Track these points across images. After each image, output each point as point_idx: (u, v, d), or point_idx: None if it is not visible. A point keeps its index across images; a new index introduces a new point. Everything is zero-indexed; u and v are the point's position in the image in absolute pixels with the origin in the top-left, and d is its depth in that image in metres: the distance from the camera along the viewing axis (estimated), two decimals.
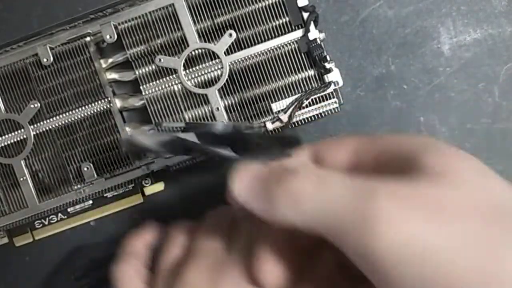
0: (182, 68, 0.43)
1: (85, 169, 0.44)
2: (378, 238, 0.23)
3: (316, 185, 0.26)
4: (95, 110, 0.44)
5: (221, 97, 0.43)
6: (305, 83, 0.44)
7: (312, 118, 0.44)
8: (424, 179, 0.25)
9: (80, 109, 0.44)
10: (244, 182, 0.29)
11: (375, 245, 0.23)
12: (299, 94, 0.43)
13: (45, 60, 0.43)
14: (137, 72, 0.44)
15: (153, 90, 0.44)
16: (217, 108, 0.43)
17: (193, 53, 0.43)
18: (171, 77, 0.43)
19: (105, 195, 0.45)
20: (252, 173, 0.29)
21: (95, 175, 0.44)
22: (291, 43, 0.43)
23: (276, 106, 0.43)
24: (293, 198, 0.26)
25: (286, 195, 0.26)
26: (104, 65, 0.44)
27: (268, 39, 0.43)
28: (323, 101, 0.44)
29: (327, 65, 0.43)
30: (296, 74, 0.43)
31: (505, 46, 0.45)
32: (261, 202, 0.28)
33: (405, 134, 0.37)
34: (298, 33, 0.43)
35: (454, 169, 0.25)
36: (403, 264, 0.23)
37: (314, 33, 0.43)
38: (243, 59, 0.43)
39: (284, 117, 0.43)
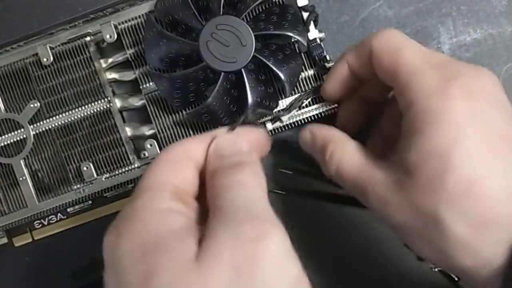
0: None
1: (85, 168, 0.44)
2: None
3: None
4: (95, 110, 0.44)
5: None
6: (305, 83, 0.44)
7: (312, 118, 0.44)
8: None
9: (80, 108, 0.44)
10: None
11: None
12: (299, 94, 0.43)
13: (45, 59, 0.43)
14: (137, 72, 0.44)
15: (153, 89, 0.44)
16: None
17: None
18: None
19: (105, 195, 0.45)
20: None
21: (95, 175, 0.44)
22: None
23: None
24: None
25: None
26: (104, 65, 0.44)
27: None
28: (323, 101, 0.44)
29: (327, 65, 0.43)
30: None
31: (505, 46, 0.45)
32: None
33: None
34: None
35: None
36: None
37: (314, 33, 0.43)
38: None
39: (284, 117, 0.43)
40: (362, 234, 0.47)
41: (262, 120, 0.44)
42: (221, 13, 0.41)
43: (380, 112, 0.42)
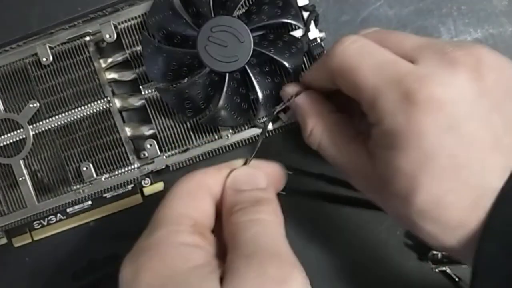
0: None
1: (84, 169, 0.44)
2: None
3: None
4: (95, 110, 0.44)
5: None
6: None
7: None
8: None
9: (79, 108, 0.44)
10: None
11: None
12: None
13: (44, 59, 0.43)
14: (136, 72, 0.44)
15: (153, 89, 0.43)
16: None
17: None
18: None
19: (104, 195, 0.45)
20: None
21: (95, 175, 0.44)
22: None
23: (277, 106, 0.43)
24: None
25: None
26: (103, 65, 0.44)
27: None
28: None
29: None
30: None
31: (506, 46, 0.45)
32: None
33: None
34: (298, 32, 0.43)
35: None
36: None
37: (314, 33, 0.43)
38: None
39: (284, 117, 0.43)
40: (362, 234, 0.47)
41: (262, 120, 0.44)
42: (212, 15, 0.41)
43: None
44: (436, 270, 0.45)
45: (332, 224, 0.47)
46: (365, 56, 0.33)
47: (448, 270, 0.45)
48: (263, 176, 0.36)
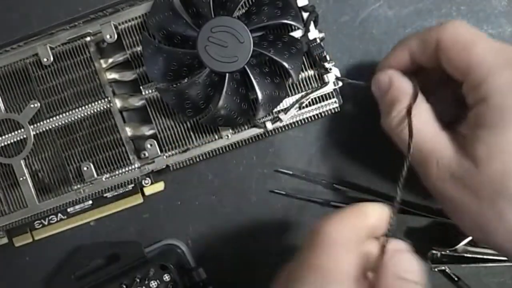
0: None
1: (85, 168, 0.44)
2: None
3: None
4: (95, 110, 0.44)
5: None
6: (305, 83, 0.44)
7: (312, 118, 0.44)
8: None
9: (80, 109, 0.44)
10: None
11: None
12: (300, 94, 0.43)
13: (45, 60, 0.43)
14: (137, 72, 0.44)
15: (153, 90, 0.44)
16: None
17: None
18: None
19: (105, 195, 0.45)
20: None
21: (95, 175, 0.44)
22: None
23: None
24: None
25: None
26: (104, 65, 0.44)
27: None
28: (323, 101, 0.44)
29: (327, 65, 0.43)
30: None
31: None
32: None
33: None
34: (298, 33, 0.43)
35: None
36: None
37: (314, 33, 0.43)
38: None
39: (284, 117, 0.43)
40: None
41: (262, 120, 0.44)
42: (212, 15, 0.41)
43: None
44: (436, 269, 0.45)
45: None
46: (480, 36, 0.35)
47: (448, 270, 0.45)
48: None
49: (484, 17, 0.45)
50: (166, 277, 0.44)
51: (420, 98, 0.37)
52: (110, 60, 0.44)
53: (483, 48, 0.34)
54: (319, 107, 0.44)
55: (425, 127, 0.36)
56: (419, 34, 0.38)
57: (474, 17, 0.45)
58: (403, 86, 0.38)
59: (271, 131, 0.44)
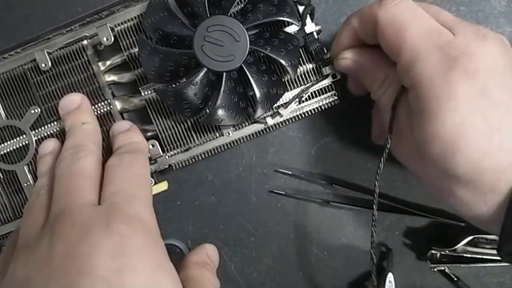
0: None
1: None
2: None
3: None
4: (96, 113, 0.44)
5: None
6: (304, 77, 0.44)
7: (313, 111, 0.44)
8: None
9: None
10: None
11: None
12: (299, 89, 0.43)
13: (43, 65, 0.43)
14: (135, 73, 0.44)
15: (152, 90, 0.44)
16: None
17: None
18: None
19: None
20: None
21: None
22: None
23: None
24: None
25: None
26: (102, 68, 0.44)
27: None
28: (322, 94, 0.44)
29: (325, 57, 0.43)
30: None
31: None
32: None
33: None
34: (295, 26, 0.43)
35: None
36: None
37: (310, 27, 0.43)
38: None
39: (284, 112, 0.43)
40: (361, 234, 0.47)
41: (262, 116, 0.44)
42: (208, 15, 0.41)
43: None
44: (435, 269, 0.45)
45: (331, 224, 0.47)
46: (415, 18, 0.35)
47: (447, 270, 0.46)
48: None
49: (484, 17, 0.45)
50: None
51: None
52: (108, 63, 0.44)
53: (415, 31, 0.34)
54: (318, 100, 0.44)
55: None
56: (360, 12, 0.39)
57: (473, 17, 0.45)
58: (363, 61, 0.40)
59: (272, 126, 0.44)
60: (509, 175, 0.32)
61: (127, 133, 0.42)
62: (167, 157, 0.45)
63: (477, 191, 0.33)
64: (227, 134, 0.44)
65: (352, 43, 0.40)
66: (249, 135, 0.44)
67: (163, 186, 0.46)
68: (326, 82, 0.44)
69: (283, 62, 0.41)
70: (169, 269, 0.34)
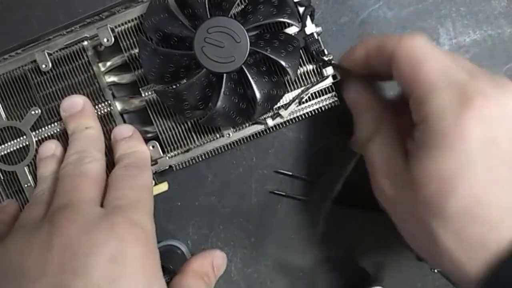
0: None
1: None
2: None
3: None
4: (96, 114, 0.44)
5: None
6: (304, 78, 0.44)
7: (313, 112, 0.44)
8: None
9: None
10: None
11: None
12: (299, 90, 0.44)
13: (43, 66, 0.43)
14: (135, 74, 0.44)
15: (152, 91, 0.44)
16: None
17: None
18: None
19: None
20: None
21: None
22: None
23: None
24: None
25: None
26: (102, 69, 0.44)
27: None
28: (322, 95, 0.44)
29: (326, 58, 0.43)
30: None
31: (505, 47, 0.45)
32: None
33: None
34: (294, 28, 0.43)
35: None
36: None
37: (311, 28, 0.43)
38: None
39: (285, 113, 0.44)
40: (361, 234, 0.48)
41: (262, 117, 0.44)
42: (208, 16, 0.40)
43: None
44: (435, 270, 0.46)
45: (331, 224, 0.48)
46: (433, 55, 0.34)
47: None
48: None
49: (484, 18, 0.45)
50: (166, 279, 0.45)
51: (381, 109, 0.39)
52: (109, 63, 0.44)
53: (431, 66, 0.34)
54: (319, 101, 0.44)
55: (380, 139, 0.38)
56: (379, 39, 0.38)
57: (473, 18, 0.45)
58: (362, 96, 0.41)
59: (272, 127, 0.44)
60: (498, 232, 0.31)
61: (130, 142, 0.42)
62: (167, 158, 0.45)
63: (467, 242, 0.32)
64: (227, 135, 0.44)
65: (361, 63, 0.40)
66: (249, 136, 0.44)
67: (163, 187, 0.46)
68: (326, 83, 0.44)
69: (283, 63, 0.41)
70: (162, 285, 0.35)
